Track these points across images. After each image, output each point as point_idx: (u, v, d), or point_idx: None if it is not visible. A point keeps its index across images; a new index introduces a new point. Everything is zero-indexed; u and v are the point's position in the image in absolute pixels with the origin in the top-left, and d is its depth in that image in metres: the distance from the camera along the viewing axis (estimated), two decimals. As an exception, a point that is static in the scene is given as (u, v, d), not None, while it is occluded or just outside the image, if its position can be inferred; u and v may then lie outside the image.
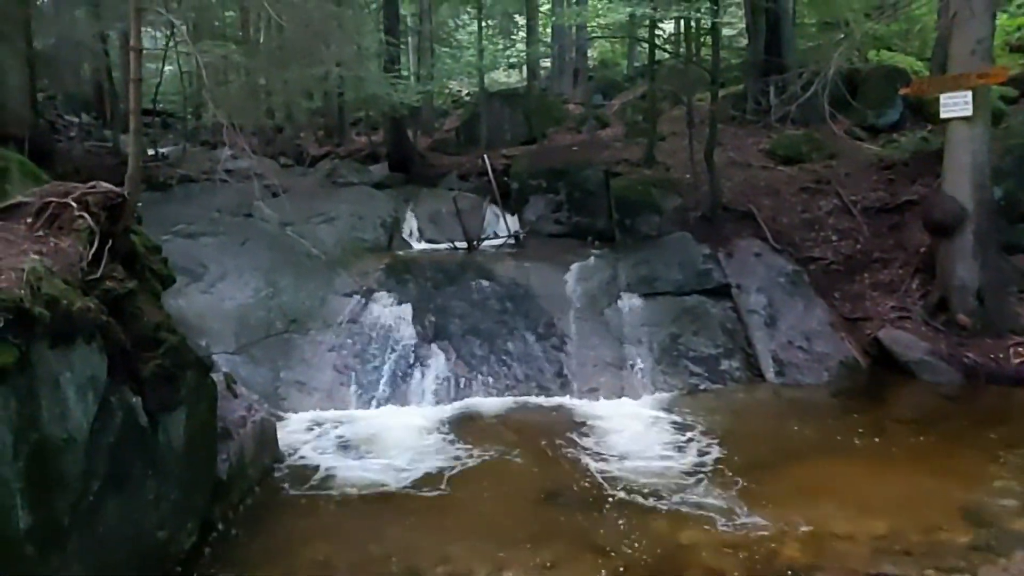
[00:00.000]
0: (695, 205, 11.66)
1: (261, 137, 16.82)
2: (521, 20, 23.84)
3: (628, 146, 14.21)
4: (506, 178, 13.56)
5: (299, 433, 7.39)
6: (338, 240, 11.09)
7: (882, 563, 4.66)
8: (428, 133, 18.36)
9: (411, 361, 8.76)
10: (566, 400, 8.41)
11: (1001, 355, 8.63)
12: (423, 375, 8.63)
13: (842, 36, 12.00)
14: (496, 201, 13.14)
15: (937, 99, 9.35)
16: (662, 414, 7.87)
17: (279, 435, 6.84)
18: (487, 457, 6.70)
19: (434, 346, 8.96)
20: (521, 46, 23.09)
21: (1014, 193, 9.97)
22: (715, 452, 6.71)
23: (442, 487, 6.07)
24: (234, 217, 11.14)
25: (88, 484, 3.92)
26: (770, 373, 8.96)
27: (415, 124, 16.88)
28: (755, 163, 13.20)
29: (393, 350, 8.86)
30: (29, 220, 4.38)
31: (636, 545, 4.98)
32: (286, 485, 6.16)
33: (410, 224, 12.81)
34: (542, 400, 8.40)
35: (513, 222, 12.76)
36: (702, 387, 8.75)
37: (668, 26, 17.93)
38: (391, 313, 9.32)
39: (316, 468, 6.47)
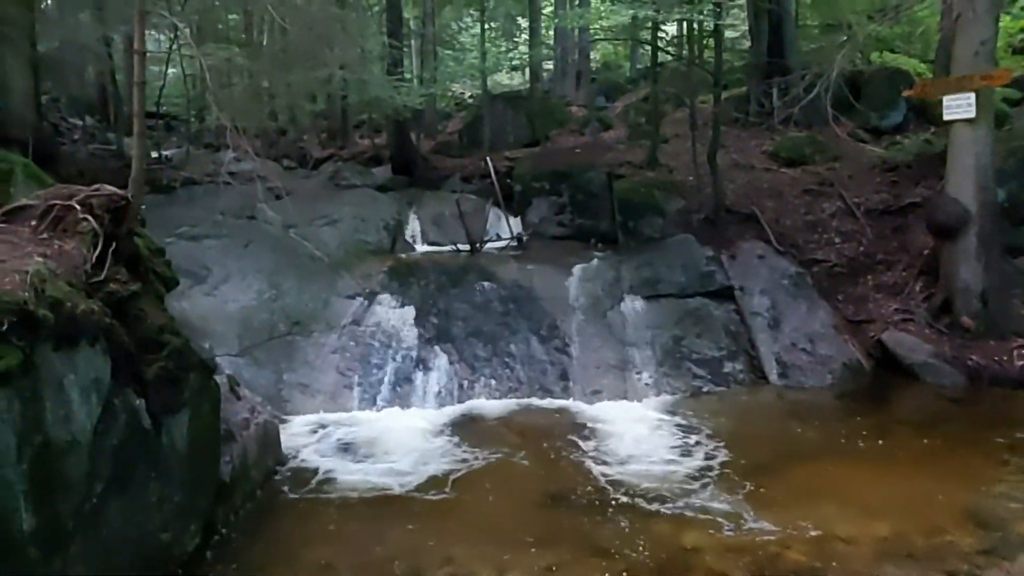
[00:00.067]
0: (698, 207, 11.65)
1: (264, 140, 16.86)
2: (524, 22, 23.89)
3: (631, 148, 14.21)
4: (509, 180, 13.58)
5: (302, 435, 7.39)
6: (341, 242, 11.11)
7: (886, 566, 4.65)
8: (431, 136, 18.40)
9: (414, 363, 8.77)
10: (569, 402, 8.40)
11: (1005, 357, 8.60)
12: (426, 377, 8.63)
13: (845, 38, 12.00)
14: (499, 203, 13.15)
15: (940, 101, 9.34)
16: (665, 416, 7.86)
17: (282, 437, 6.84)
18: (490, 459, 6.69)
19: (437, 348, 8.96)
20: (524, 48, 23.10)
21: (1017, 195, 9.94)
22: (719, 455, 6.70)
23: (445, 490, 6.07)
24: (237, 219, 11.15)
25: (91, 486, 3.92)
26: (773, 375, 8.95)
27: (418, 127, 16.92)
28: (758, 165, 13.20)
29: (396, 352, 8.86)
30: (33, 223, 4.40)
31: (640, 548, 4.97)
32: (289, 487, 6.16)
33: (413, 226, 12.82)
34: (545, 402, 8.40)
35: (516, 224, 12.76)
36: (705, 389, 8.74)
37: (671, 28, 17.91)
38: (394, 315, 9.33)
39: (319, 470, 6.47)
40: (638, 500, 5.76)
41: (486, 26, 20.01)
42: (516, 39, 25.96)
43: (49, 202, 4.48)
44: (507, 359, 8.92)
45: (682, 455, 6.76)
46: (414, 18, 21.34)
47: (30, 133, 10.17)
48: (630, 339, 9.28)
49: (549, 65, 23.42)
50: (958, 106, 9.04)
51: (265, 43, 17.55)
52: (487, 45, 19.26)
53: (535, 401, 8.43)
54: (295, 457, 6.76)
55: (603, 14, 14.99)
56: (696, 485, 6.04)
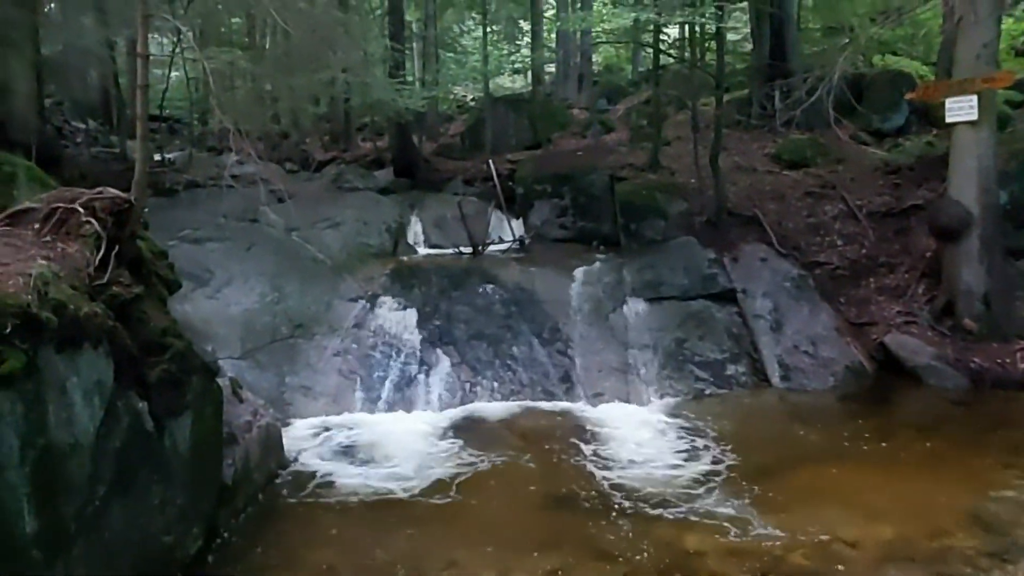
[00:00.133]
0: (700, 210, 11.65)
1: (267, 143, 16.87)
2: (526, 25, 23.92)
3: (633, 151, 14.21)
4: (511, 183, 13.58)
5: (304, 438, 7.39)
6: (343, 245, 11.11)
7: (889, 569, 4.65)
8: (433, 138, 18.40)
9: (416, 366, 8.77)
10: (571, 405, 8.40)
11: (1007, 359, 8.60)
12: (428, 380, 8.63)
13: (847, 40, 12.02)
14: (501, 206, 13.15)
15: (942, 104, 9.34)
16: (668, 419, 7.86)
17: (284, 440, 6.85)
18: (493, 462, 6.69)
19: (439, 351, 8.96)
20: (526, 51, 23.16)
21: (1020, 197, 9.92)
22: (721, 457, 6.69)
23: (448, 493, 6.07)
24: (240, 222, 11.16)
25: (94, 489, 3.93)
26: (776, 378, 8.94)
27: (420, 129, 16.92)
28: (760, 168, 13.19)
29: (398, 355, 8.87)
30: (36, 226, 4.41)
31: (643, 551, 4.97)
32: (291, 490, 6.16)
33: (415, 229, 12.82)
34: (547, 405, 8.39)
35: (518, 227, 12.76)
36: (708, 392, 8.73)
37: (673, 31, 17.91)
38: (396, 318, 9.33)
39: (321, 473, 6.47)
40: (641, 503, 5.76)
41: (488, 29, 20.01)
42: (518, 42, 26.01)
43: (52, 205, 4.49)
44: (509, 362, 8.92)
45: (685, 458, 6.75)
46: (416, 21, 21.36)
47: (33, 136, 10.19)
48: (632, 342, 9.27)
49: (551, 68, 23.43)
50: (960, 108, 9.04)
51: (268, 46, 17.57)
52: (489, 48, 19.28)
53: (537, 404, 8.42)
54: (297, 460, 6.77)
55: (605, 17, 15.02)
56: (699, 488, 6.03)
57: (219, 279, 9.61)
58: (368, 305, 9.53)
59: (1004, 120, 12.09)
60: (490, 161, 14.22)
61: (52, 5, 14.22)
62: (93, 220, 4.44)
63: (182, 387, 4.84)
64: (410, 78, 18.61)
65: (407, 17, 18.56)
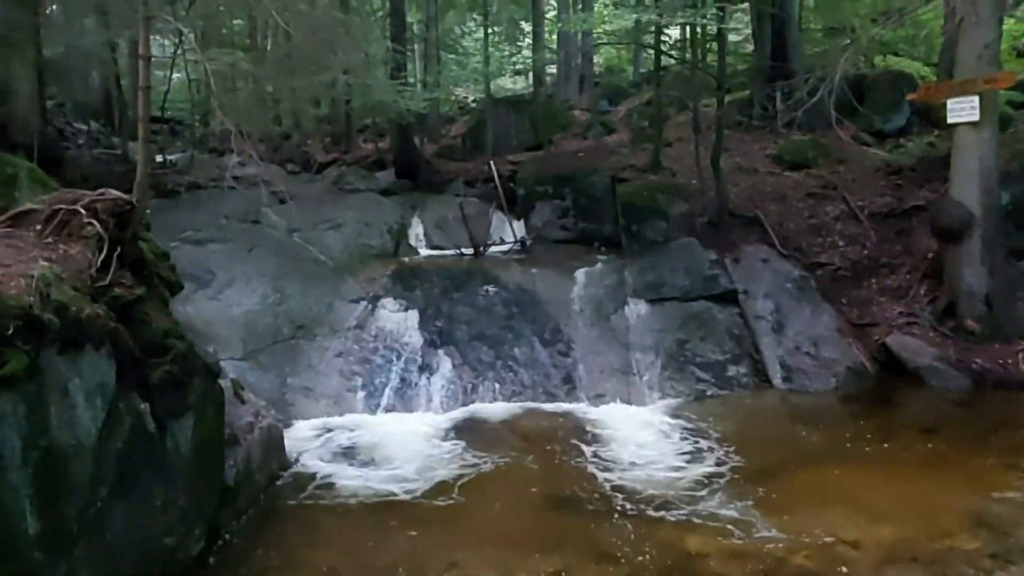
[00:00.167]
0: (701, 211, 11.65)
1: (268, 144, 16.90)
2: (527, 27, 23.95)
3: (634, 152, 14.21)
4: (512, 184, 13.60)
5: (306, 439, 7.39)
6: (345, 246, 11.11)
7: (891, 570, 4.64)
8: (434, 140, 18.42)
9: (418, 367, 8.77)
10: (573, 406, 8.39)
11: (1010, 360, 8.58)
12: (430, 381, 8.64)
13: (848, 41, 12.01)
14: (502, 207, 13.16)
15: (944, 104, 9.34)
16: (669, 420, 7.85)
17: (286, 441, 6.84)
18: (494, 463, 6.69)
19: (440, 352, 8.97)
20: (527, 52, 23.18)
21: (1022, 198, 9.91)
22: (723, 459, 6.68)
23: (449, 494, 6.06)
24: (241, 224, 11.17)
25: (96, 490, 3.93)
26: (777, 379, 8.93)
27: (421, 131, 16.93)
28: (761, 169, 13.19)
29: (400, 356, 8.87)
30: (38, 227, 4.41)
31: (645, 553, 4.96)
32: (293, 491, 6.16)
33: (416, 230, 12.83)
34: (549, 406, 8.39)
35: (519, 228, 12.77)
36: (709, 393, 8.73)
37: (674, 32, 17.92)
38: (398, 319, 9.34)
39: (323, 475, 6.47)
40: (642, 505, 5.76)
41: (489, 30, 20.02)
42: (519, 43, 26.02)
43: (54, 206, 4.49)
44: (511, 363, 8.92)
45: (686, 459, 6.75)
46: (417, 22, 21.38)
47: (35, 138, 10.21)
48: (634, 343, 9.27)
49: (552, 69, 23.45)
50: (962, 109, 9.03)
51: (269, 48, 17.59)
52: (490, 49, 19.28)
53: (539, 405, 8.42)
54: (299, 461, 6.76)
55: (606, 18, 15.02)
56: (701, 489, 6.03)
57: (221, 280, 9.62)
58: (369, 306, 9.53)
59: (1006, 121, 12.08)
60: (491, 162, 14.23)
61: (54, 7, 14.24)
62: (95, 222, 4.44)
63: (184, 388, 4.84)
64: (411, 79, 18.63)
65: (408, 18, 18.58)
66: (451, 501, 5.94)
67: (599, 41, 20.31)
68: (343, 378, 8.60)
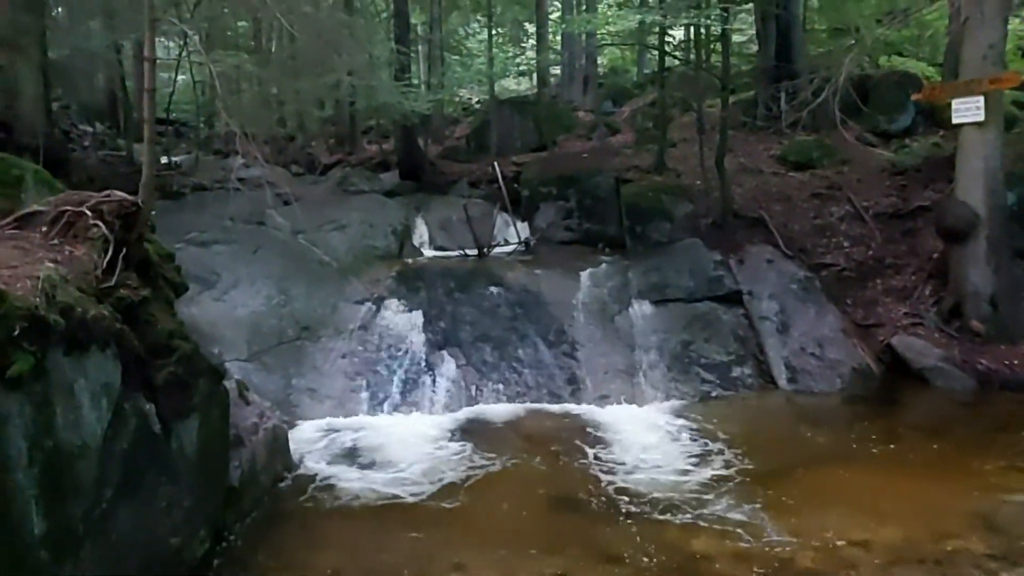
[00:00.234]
0: (706, 211, 11.64)
1: (273, 146, 16.94)
2: (531, 28, 23.93)
3: (638, 153, 14.21)
4: (516, 185, 13.61)
5: (311, 440, 7.40)
6: (349, 248, 11.13)
7: (897, 572, 4.63)
8: (439, 141, 18.44)
9: (422, 368, 8.78)
10: (577, 407, 8.39)
11: (1015, 361, 8.56)
12: (434, 382, 8.64)
13: (853, 42, 11.98)
14: (506, 208, 13.17)
15: (949, 104, 9.32)
16: (674, 421, 7.84)
17: (291, 442, 6.85)
18: (498, 464, 6.69)
19: (445, 353, 8.97)
20: (531, 54, 23.17)
21: (1027, 198, 9.89)
22: (728, 460, 6.67)
23: (453, 495, 6.06)
24: (246, 225, 11.20)
25: (101, 491, 3.94)
26: (782, 380, 8.92)
27: (426, 132, 16.95)
28: (766, 169, 13.18)
29: (404, 357, 8.88)
30: (44, 228, 4.42)
31: (649, 554, 4.96)
32: (297, 492, 6.17)
33: (421, 231, 12.85)
34: (553, 407, 8.39)
35: (523, 229, 12.77)
36: (714, 394, 8.72)
37: (678, 33, 17.93)
38: (402, 320, 9.34)
39: (327, 476, 6.48)
40: (647, 506, 5.75)
41: (493, 32, 20.04)
42: (523, 44, 26.02)
43: (60, 208, 4.51)
44: (515, 364, 8.92)
45: (691, 460, 6.73)
46: (421, 24, 21.41)
47: (41, 139, 10.24)
48: (638, 344, 9.27)
49: (556, 70, 23.45)
50: (967, 109, 9.01)
51: (274, 50, 17.65)
52: (494, 50, 19.29)
53: (543, 406, 8.42)
54: (304, 462, 6.77)
55: (610, 19, 14.98)
56: (706, 491, 6.01)
57: (226, 282, 9.64)
58: (374, 307, 9.54)
59: (1011, 121, 12.04)
60: (495, 163, 14.23)
61: (60, 9, 14.30)
62: (100, 223, 4.45)
63: (189, 389, 4.85)
64: (415, 81, 18.63)
65: (412, 20, 18.59)
66: (456, 502, 5.94)
67: (603, 42, 20.27)
68: (347, 379, 8.61)
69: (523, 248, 12.26)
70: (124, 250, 4.56)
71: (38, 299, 3.59)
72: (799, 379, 8.90)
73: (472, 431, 7.65)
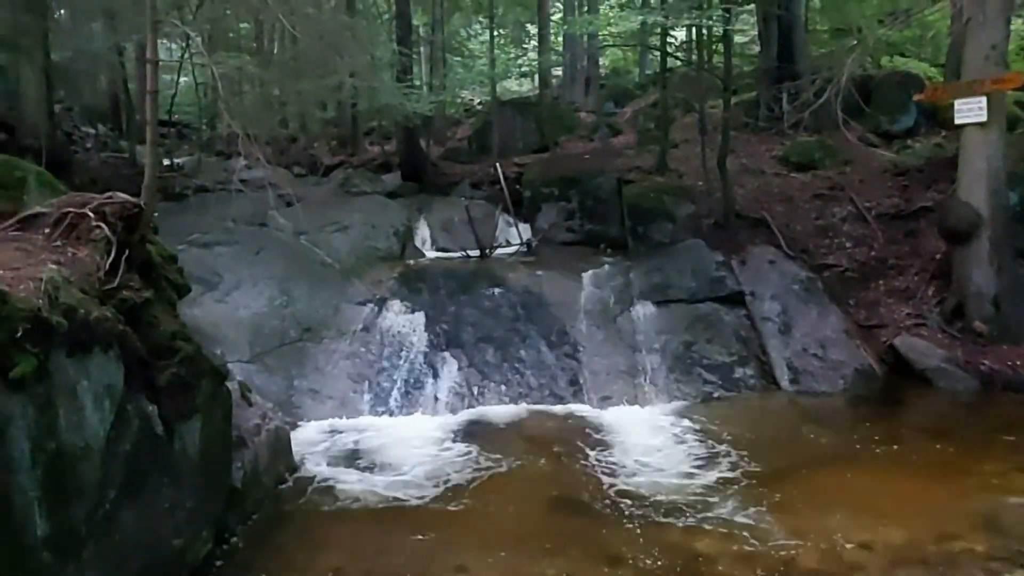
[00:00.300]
0: (708, 212, 11.64)
1: (275, 147, 16.95)
2: (533, 29, 23.93)
3: (640, 154, 14.21)
4: (518, 186, 13.60)
5: (313, 442, 7.40)
6: (351, 249, 11.14)
7: (899, 572, 4.62)
8: (440, 142, 18.44)
9: (424, 369, 8.78)
10: (579, 408, 8.38)
11: (1018, 362, 8.54)
12: (436, 383, 8.64)
13: (855, 42, 11.98)
14: (508, 209, 13.17)
15: (951, 105, 9.31)
16: (676, 422, 7.83)
17: (293, 443, 6.85)
18: (501, 465, 6.69)
19: (447, 354, 8.97)
20: (533, 55, 23.18)
21: (1030, 199, 9.88)
22: (731, 461, 6.66)
23: (456, 496, 6.06)
24: (249, 226, 11.21)
25: (104, 492, 3.94)
26: (785, 381, 8.91)
27: (427, 133, 16.96)
28: (768, 170, 13.17)
29: (406, 358, 8.88)
30: (47, 230, 4.43)
31: (652, 555, 4.95)
32: (299, 494, 6.17)
33: (423, 233, 12.85)
34: (555, 408, 8.38)
35: (525, 230, 12.78)
36: (716, 395, 8.71)
37: (680, 34, 17.93)
38: (404, 321, 9.35)
39: (329, 477, 6.48)
40: (650, 507, 5.74)
41: (495, 33, 20.05)
42: (525, 45, 26.01)
43: (63, 210, 4.51)
44: (517, 365, 8.92)
45: (694, 462, 6.72)
46: (423, 25, 21.43)
47: (43, 141, 10.27)
48: (640, 345, 9.26)
49: (558, 71, 23.47)
50: (969, 110, 9.00)
51: (276, 51, 17.68)
52: (496, 52, 19.29)
53: (545, 407, 8.41)
54: (306, 463, 6.77)
55: (612, 20, 14.98)
56: (708, 492, 6.01)
57: (228, 283, 9.65)
58: (376, 308, 9.55)
59: (1013, 121, 12.03)
60: (497, 164, 14.23)
61: (62, 11, 14.32)
62: (103, 225, 4.46)
63: (191, 391, 4.86)
64: (417, 82, 18.64)
65: (414, 21, 18.59)
66: (458, 504, 5.94)
67: (605, 43, 20.30)
68: (350, 380, 8.62)
69: (525, 249, 12.26)
70: (127, 252, 4.56)
71: (41, 301, 3.60)
72: (801, 380, 8.89)
73: (474, 432, 7.65)
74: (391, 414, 8.25)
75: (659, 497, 5.90)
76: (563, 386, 8.72)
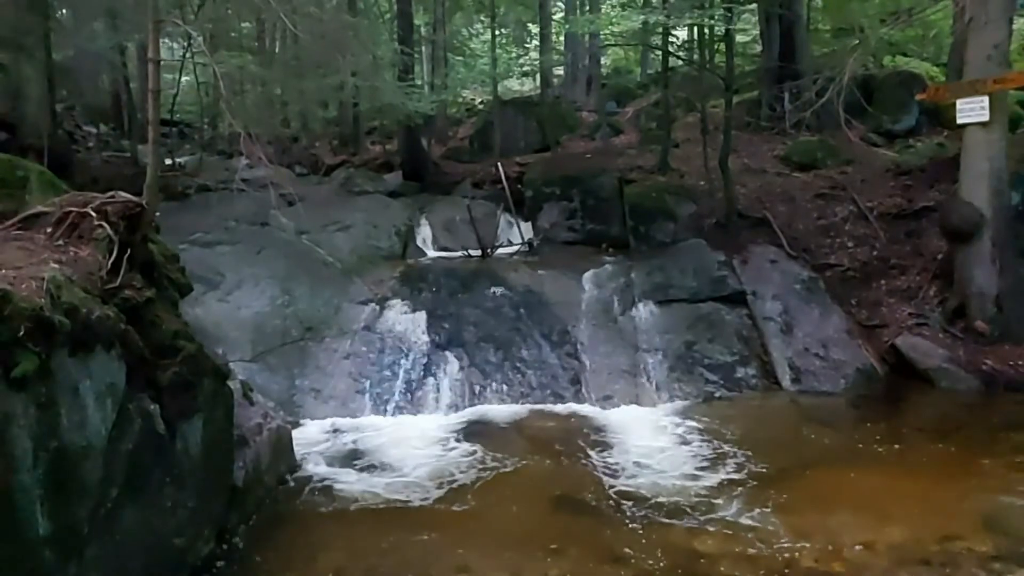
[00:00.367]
0: (710, 212, 11.63)
1: (277, 146, 16.95)
2: (534, 28, 23.94)
3: (642, 153, 14.21)
4: (520, 186, 13.60)
5: (314, 441, 7.40)
6: (353, 248, 11.15)
7: (901, 572, 4.62)
8: (442, 141, 18.44)
9: (425, 368, 8.78)
10: (580, 408, 8.38)
11: (1020, 362, 8.53)
12: (437, 382, 8.64)
13: (857, 42, 11.97)
14: (510, 209, 13.17)
15: (953, 105, 9.30)
16: (677, 422, 7.83)
17: (294, 443, 6.86)
18: (502, 465, 6.69)
19: (448, 353, 8.97)
20: (534, 54, 23.18)
21: (1033, 198, 9.86)
22: (732, 461, 6.66)
23: (457, 496, 6.06)
24: (250, 226, 11.22)
25: (106, 491, 3.94)
26: (786, 380, 8.91)
27: (429, 133, 16.96)
28: (770, 169, 13.17)
29: (407, 357, 8.88)
30: (49, 229, 4.43)
31: (654, 555, 4.95)
32: (301, 493, 6.17)
33: (424, 232, 12.86)
34: (557, 407, 8.38)
35: (527, 229, 12.78)
36: (717, 395, 8.70)
37: (682, 33, 17.91)
38: (405, 321, 9.35)
39: (330, 476, 6.49)
40: (651, 507, 5.74)
41: (496, 32, 20.03)
42: (526, 45, 26.03)
43: (65, 209, 4.51)
44: (518, 364, 8.92)
45: (696, 462, 6.72)
46: (425, 25, 21.43)
47: (45, 140, 10.29)
48: (642, 344, 9.26)
49: (560, 71, 23.45)
50: (971, 109, 8.99)
51: (277, 51, 17.67)
52: (497, 51, 19.28)
53: (547, 406, 8.41)
54: (307, 462, 6.77)
55: (614, 19, 14.98)
56: (710, 492, 6.00)
57: (230, 282, 9.66)
58: (378, 308, 9.55)
59: (1016, 121, 12.03)
60: (499, 164, 14.23)
61: (64, 10, 14.33)
62: (105, 224, 4.46)
63: (193, 390, 4.86)
64: (419, 82, 18.64)
65: (416, 21, 18.59)
66: (460, 503, 5.94)
67: (606, 42, 20.29)
68: (351, 379, 8.62)
69: (526, 248, 12.26)
70: (128, 251, 4.56)
71: (43, 300, 3.60)
72: (803, 380, 8.89)
73: (476, 432, 7.65)
74: (392, 413, 8.25)
75: (661, 497, 5.90)
76: (564, 385, 8.72)
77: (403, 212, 12.90)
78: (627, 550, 5.03)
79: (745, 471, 6.40)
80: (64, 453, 3.63)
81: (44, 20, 10.91)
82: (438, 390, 8.56)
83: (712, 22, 11.57)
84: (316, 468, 6.68)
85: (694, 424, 7.71)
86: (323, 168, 16.82)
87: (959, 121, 9.24)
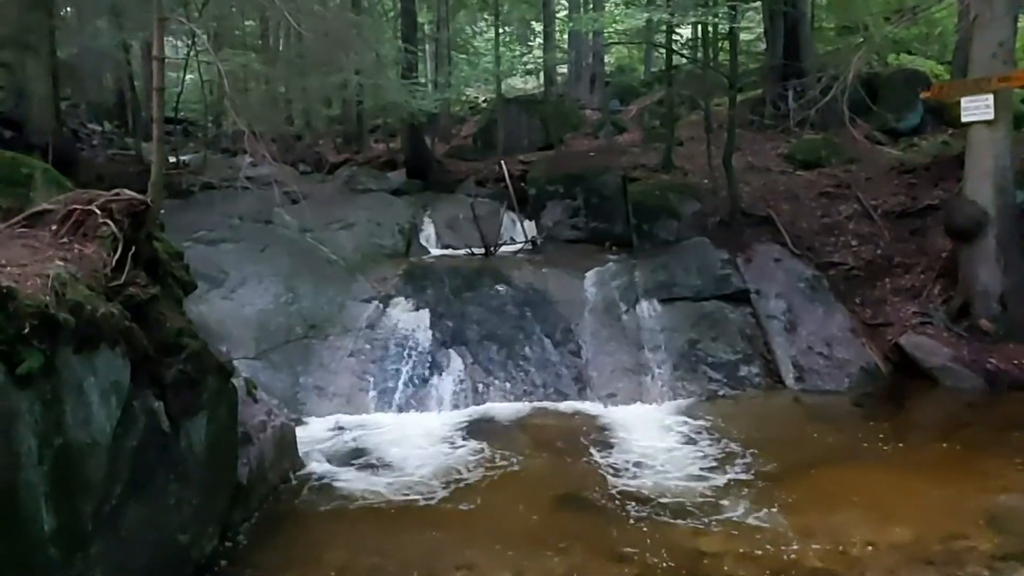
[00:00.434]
0: (713, 210, 11.61)
1: (281, 144, 16.94)
2: (538, 26, 23.89)
3: (646, 151, 14.19)
4: (523, 184, 13.57)
5: (318, 439, 7.41)
6: (357, 246, 11.15)
7: (905, 571, 4.61)
8: (445, 140, 18.43)
9: (429, 366, 8.79)
10: (584, 406, 8.38)
11: (1024, 361, 8.52)
12: (441, 380, 8.65)
13: (861, 40, 11.95)
14: (513, 207, 13.15)
15: (958, 103, 9.27)
16: (681, 420, 7.83)
17: (298, 440, 6.86)
18: (506, 463, 6.69)
19: (452, 351, 8.98)
20: (538, 52, 23.12)
21: (1037, 197, 9.83)
22: (736, 459, 6.66)
23: (461, 494, 6.07)
24: (254, 224, 11.23)
25: (111, 488, 3.96)
26: (790, 379, 8.89)
27: (433, 131, 16.95)
28: (774, 168, 13.14)
29: (411, 355, 8.89)
30: (54, 227, 4.44)
31: (657, 553, 4.95)
32: (305, 490, 6.19)
33: (428, 230, 12.84)
34: (560, 406, 8.39)
35: (530, 228, 12.76)
36: (721, 393, 8.70)
37: (685, 31, 17.88)
38: (409, 318, 9.36)
39: (334, 474, 6.50)
40: (655, 505, 5.74)
41: (500, 30, 20.02)
42: (530, 43, 26.01)
43: (69, 207, 4.52)
44: (522, 362, 8.93)
45: (699, 460, 6.72)
46: (428, 23, 21.42)
47: (50, 138, 10.30)
48: (645, 342, 9.25)
49: (563, 69, 23.42)
50: (976, 108, 8.96)
51: (281, 49, 17.67)
52: (501, 49, 19.27)
53: (550, 404, 8.42)
54: (311, 460, 6.78)
55: (617, 17, 14.98)
56: (714, 491, 6.00)
57: (234, 280, 9.67)
58: (381, 306, 9.56)
59: (1021, 119, 11.98)
60: (502, 162, 14.22)
61: (68, 8, 14.35)
62: (110, 222, 4.46)
63: (197, 387, 4.87)
64: (423, 80, 18.66)
65: (419, 19, 18.60)
66: (463, 501, 5.95)
67: (610, 40, 20.30)
68: (355, 377, 8.63)
69: (530, 247, 12.25)
70: (133, 248, 4.57)
71: (48, 297, 3.61)
72: (807, 378, 8.88)
73: (479, 429, 7.66)
74: (396, 411, 8.27)
75: (665, 495, 5.90)
76: (568, 383, 8.72)
77: (406, 210, 12.90)
78: (631, 549, 5.04)
79: (749, 470, 6.40)
80: (69, 450, 3.65)
81: (48, 18, 10.91)
82: (441, 388, 8.57)
83: (716, 20, 11.53)
84: (320, 466, 6.69)
85: (698, 423, 7.71)
86: (327, 166, 16.82)
87: (964, 119, 9.22)
